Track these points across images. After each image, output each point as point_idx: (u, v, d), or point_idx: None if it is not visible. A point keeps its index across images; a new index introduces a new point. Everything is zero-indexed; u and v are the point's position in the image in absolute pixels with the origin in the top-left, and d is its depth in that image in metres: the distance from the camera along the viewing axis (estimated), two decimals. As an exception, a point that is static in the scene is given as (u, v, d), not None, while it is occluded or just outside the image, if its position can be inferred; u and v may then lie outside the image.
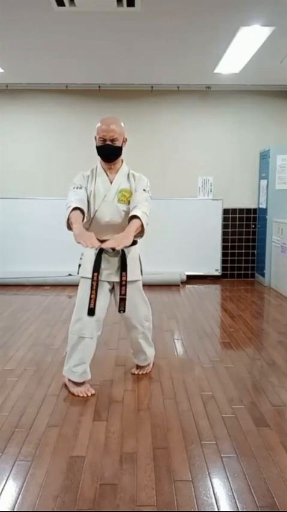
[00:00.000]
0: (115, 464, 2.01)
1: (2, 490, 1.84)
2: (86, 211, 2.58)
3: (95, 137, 2.61)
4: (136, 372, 3.01)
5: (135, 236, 2.59)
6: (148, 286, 5.42)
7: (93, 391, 2.72)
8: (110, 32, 3.97)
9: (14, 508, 1.74)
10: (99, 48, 4.42)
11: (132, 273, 2.72)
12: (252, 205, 6.23)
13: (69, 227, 2.55)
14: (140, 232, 2.57)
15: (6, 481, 1.90)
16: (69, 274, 5.73)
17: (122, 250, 2.66)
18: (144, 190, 2.65)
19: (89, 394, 2.69)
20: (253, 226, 6.26)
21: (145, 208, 2.55)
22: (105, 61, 4.84)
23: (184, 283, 5.97)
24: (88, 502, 1.76)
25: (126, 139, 2.67)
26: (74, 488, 1.84)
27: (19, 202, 6.06)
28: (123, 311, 2.71)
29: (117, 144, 2.58)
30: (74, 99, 5.97)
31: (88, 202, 2.64)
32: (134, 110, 5.99)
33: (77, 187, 2.63)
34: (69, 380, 2.75)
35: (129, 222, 2.50)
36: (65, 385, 2.79)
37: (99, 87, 5.88)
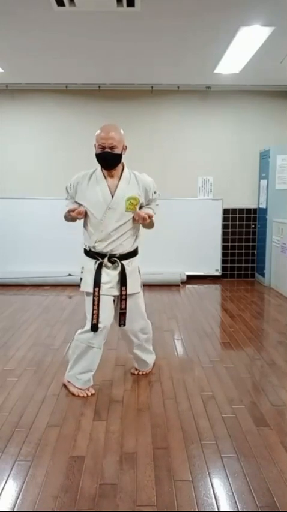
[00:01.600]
0: (115, 464, 2.01)
1: (2, 490, 1.84)
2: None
3: (95, 145, 2.59)
4: (136, 372, 3.01)
5: (148, 227, 2.73)
6: (148, 286, 5.43)
7: (93, 391, 2.72)
8: (110, 32, 3.97)
9: (14, 508, 1.74)
10: (99, 48, 4.42)
11: (132, 286, 2.71)
12: (252, 205, 6.23)
13: (69, 218, 2.72)
14: (150, 224, 2.71)
15: (6, 481, 1.90)
16: (69, 274, 5.73)
17: (122, 264, 2.66)
18: (154, 192, 2.77)
19: (89, 394, 2.69)
20: (253, 226, 6.26)
21: (154, 209, 2.78)
22: (105, 61, 4.84)
23: (184, 283, 5.97)
24: (88, 502, 1.76)
25: (126, 146, 2.63)
26: (74, 488, 1.84)
27: (19, 202, 6.06)
28: (124, 325, 2.72)
29: (117, 151, 2.55)
30: (74, 99, 5.97)
31: (87, 211, 2.65)
32: (134, 110, 5.99)
33: (69, 189, 2.74)
34: (69, 381, 2.75)
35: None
36: (65, 385, 2.79)
37: (99, 87, 5.88)
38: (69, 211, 2.64)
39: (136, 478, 1.91)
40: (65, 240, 5.27)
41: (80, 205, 2.65)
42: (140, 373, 3.01)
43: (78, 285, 2.81)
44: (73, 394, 2.69)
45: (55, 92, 5.96)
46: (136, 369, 3.02)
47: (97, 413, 2.49)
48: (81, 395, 2.68)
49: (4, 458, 2.06)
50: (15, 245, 6.09)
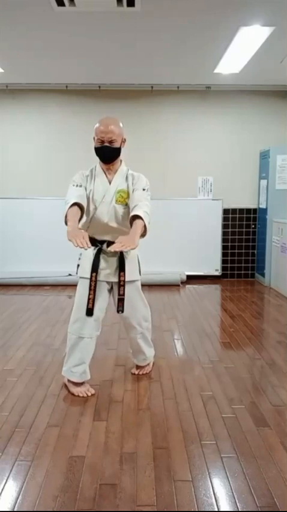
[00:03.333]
0: (115, 464, 2.01)
1: (2, 490, 1.84)
2: (85, 207, 2.56)
3: (94, 138, 2.61)
4: (136, 372, 3.01)
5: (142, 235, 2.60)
6: (148, 286, 5.43)
7: (93, 391, 2.72)
8: (110, 32, 3.97)
9: (14, 508, 1.74)
10: (99, 48, 4.42)
11: (130, 273, 2.72)
12: (252, 205, 6.23)
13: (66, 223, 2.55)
14: (143, 232, 2.55)
15: (6, 481, 1.90)
16: (69, 274, 5.73)
17: (121, 251, 2.66)
18: (143, 189, 2.63)
19: (89, 394, 2.69)
20: (253, 226, 6.25)
21: (146, 208, 2.52)
22: (105, 61, 4.84)
23: (184, 283, 5.97)
24: (88, 502, 1.76)
25: (125, 139, 2.65)
26: (74, 488, 1.84)
27: (19, 202, 6.06)
28: (122, 311, 2.71)
29: (116, 145, 2.57)
30: (74, 99, 5.97)
31: (87, 202, 2.65)
32: (134, 110, 5.99)
33: (77, 185, 2.62)
34: (68, 380, 2.75)
35: (131, 223, 2.47)
36: (65, 385, 2.79)
37: (99, 87, 5.88)
38: (76, 206, 2.49)
39: (136, 478, 1.91)
40: (65, 240, 5.25)
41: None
42: (140, 373, 3.01)
43: (76, 272, 2.78)
44: (73, 394, 2.69)
45: (55, 92, 5.96)
46: (137, 368, 3.02)
47: (97, 413, 2.49)
48: (81, 395, 2.68)
49: (4, 458, 2.06)
50: (15, 245, 6.09)
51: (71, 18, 3.67)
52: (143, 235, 2.56)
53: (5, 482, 1.89)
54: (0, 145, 6.08)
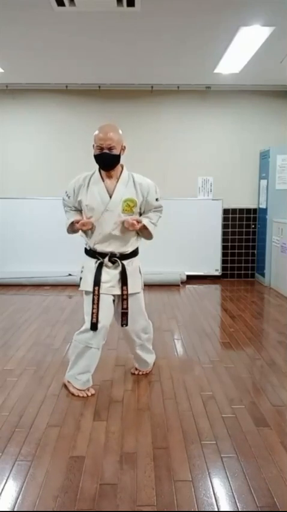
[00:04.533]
0: (115, 464, 2.01)
1: (2, 490, 1.84)
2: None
3: (93, 145, 2.59)
4: (136, 372, 3.01)
5: (146, 237, 2.74)
6: (148, 286, 5.42)
7: (93, 391, 2.72)
8: (110, 32, 3.97)
9: (14, 508, 1.74)
10: (99, 48, 4.42)
11: (132, 286, 2.71)
12: (252, 205, 6.23)
13: (71, 230, 2.74)
14: (148, 236, 2.74)
15: (6, 481, 1.90)
16: (69, 274, 5.73)
17: (122, 264, 2.66)
18: (157, 199, 2.72)
19: (89, 394, 2.69)
20: (253, 226, 6.26)
21: (154, 219, 2.73)
22: (105, 61, 4.84)
23: (184, 283, 5.97)
24: (88, 502, 1.76)
25: (125, 147, 2.62)
26: (74, 488, 1.84)
27: (19, 202, 6.06)
28: (126, 325, 2.72)
29: (115, 152, 2.54)
30: (74, 99, 5.97)
31: (83, 211, 2.64)
32: (134, 110, 5.99)
33: (66, 198, 2.72)
34: (68, 381, 2.75)
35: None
36: (65, 386, 2.79)
37: (99, 87, 5.88)
38: (73, 223, 2.66)
39: (136, 478, 1.91)
40: (65, 240, 5.25)
41: (80, 210, 2.68)
42: (140, 373, 3.01)
43: (78, 285, 2.80)
44: (73, 394, 2.69)
45: (55, 92, 5.96)
46: (136, 369, 3.02)
47: (97, 413, 2.49)
48: (81, 395, 2.67)
49: (4, 458, 2.06)
50: (15, 245, 6.09)
51: (71, 18, 3.67)
52: (148, 238, 2.75)
53: (5, 482, 1.89)
54: (0, 145, 6.08)
